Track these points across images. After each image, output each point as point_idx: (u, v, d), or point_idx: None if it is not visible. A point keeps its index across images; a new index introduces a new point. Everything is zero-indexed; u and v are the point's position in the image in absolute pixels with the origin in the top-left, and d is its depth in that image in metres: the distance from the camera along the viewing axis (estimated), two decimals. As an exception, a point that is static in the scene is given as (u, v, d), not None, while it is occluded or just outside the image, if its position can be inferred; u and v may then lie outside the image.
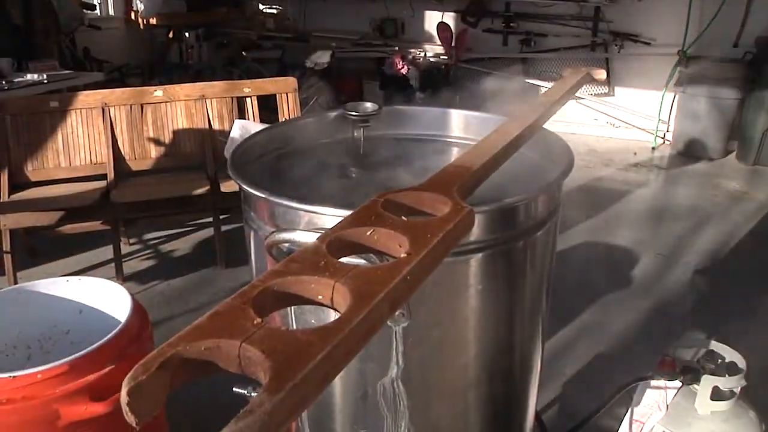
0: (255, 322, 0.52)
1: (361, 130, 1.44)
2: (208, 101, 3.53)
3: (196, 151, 3.52)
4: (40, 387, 1.46)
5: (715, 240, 3.80)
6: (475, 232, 1.03)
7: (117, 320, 1.77)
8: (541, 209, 1.17)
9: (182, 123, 3.51)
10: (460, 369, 1.17)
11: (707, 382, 1.61)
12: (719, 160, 5.41)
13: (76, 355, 1.50)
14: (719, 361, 1.68)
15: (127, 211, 3.34)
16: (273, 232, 0.91)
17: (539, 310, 1.29)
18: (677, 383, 1.68)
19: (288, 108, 3.66)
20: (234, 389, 1.48)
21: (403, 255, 0.65)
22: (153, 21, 6.53)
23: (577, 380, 2.46)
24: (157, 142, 3.48)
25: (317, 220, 1.00)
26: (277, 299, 0.59)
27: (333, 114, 1.53)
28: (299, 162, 1.45)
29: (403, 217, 0.74)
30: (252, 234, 1.19)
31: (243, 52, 6.85)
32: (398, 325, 0.91)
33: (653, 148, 5.79)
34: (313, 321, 1.06)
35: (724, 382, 1.61)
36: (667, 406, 1.70)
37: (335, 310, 0.58)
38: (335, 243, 0.68)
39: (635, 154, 5.64)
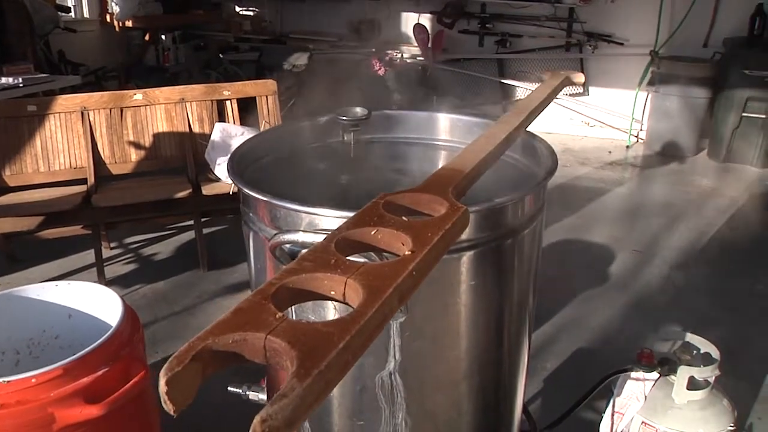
0: (277, 316, 0.55)
1: (351, 134, 1.48)
2: (188, 104, 3.53)
3: (176, 155, 3.52)
4: (34, 391, 1.47)
5: (689, 235, 3.90)
6: (467, 231, 1.07)
7: (106, 324, 1.78)
8: (528, 208, 1.22)
9: (162, 126, 3.51)
10: (454, 361, 1.21)
11: (683, 373, 1.68)
12: (691, 158, 5.55)
13: (71, 358, 1.51)
14: (694, 352, 1.75)
15: (108, 215, 3.33)
16: (277, 233, 0.95)
17: (526, 305, 1.34)
18: (655, 374, 1.75)
19: (268, 110, 3.68)
20: (229, 389, 1.51)
21: (407, 253, 0.70)
22: (129, 23, 6.47)
23: (558, 374, 2.53)
24: (137, 145, 3.47)
25: (318, 221, 1.04)
26: (293, 295, 0.63)
27: (324, 118, 1.57)
28: (293, 165, 1.48)
29: (404, 218, 0.78)
30: (251, 235, 1.22)
31: (220, 55, 6.83)
32: (396, 320, 0.95)
33: (628, 147, 5.91)
34: (312, 317, 1.10)
35: (700, 372, 1.68)
36: (646, 396, 1.77)
37: (347, 304, 0.62)
38: (342, 242, 0.72)
39: (610, 152, 5.76)
